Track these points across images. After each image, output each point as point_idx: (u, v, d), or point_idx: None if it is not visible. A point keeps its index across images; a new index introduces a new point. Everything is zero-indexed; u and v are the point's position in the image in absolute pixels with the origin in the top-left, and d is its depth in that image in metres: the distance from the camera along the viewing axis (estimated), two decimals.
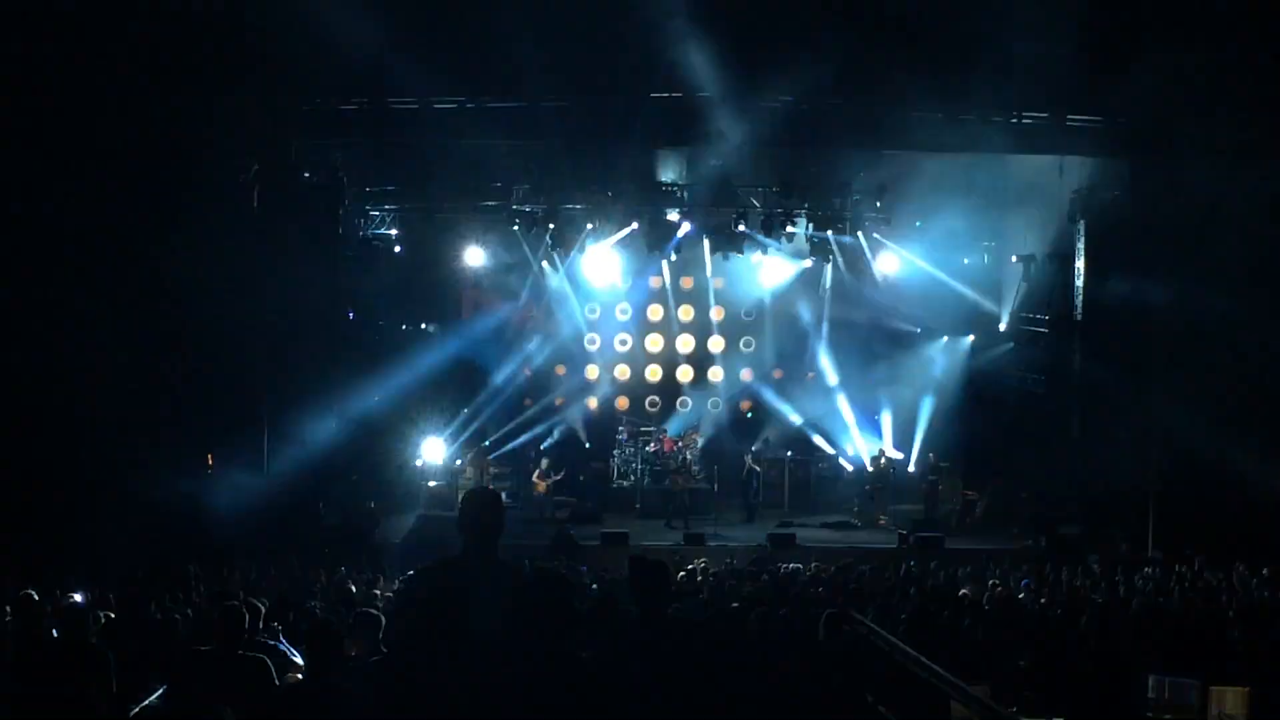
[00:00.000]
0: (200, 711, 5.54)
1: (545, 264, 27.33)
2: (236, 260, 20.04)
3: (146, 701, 7.72)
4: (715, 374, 29.21)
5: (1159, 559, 19.91)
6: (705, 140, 22.09)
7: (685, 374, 29.16)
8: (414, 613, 5.30)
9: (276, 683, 7.13)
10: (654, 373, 29.24)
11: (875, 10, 19.67)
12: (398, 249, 26.30)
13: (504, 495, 6.34)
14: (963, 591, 14.71)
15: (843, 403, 27.61)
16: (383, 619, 8.19)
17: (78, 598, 11.95)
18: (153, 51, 18.41)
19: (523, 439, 27.03)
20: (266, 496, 20.04)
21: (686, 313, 29.12)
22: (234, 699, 5.79)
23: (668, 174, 25.02)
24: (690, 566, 17.29)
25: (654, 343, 29.27)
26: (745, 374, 29.18)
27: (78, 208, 18.09)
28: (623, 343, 29.06)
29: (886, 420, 27.47)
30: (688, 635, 5.88)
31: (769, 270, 27.91)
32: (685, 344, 29.20)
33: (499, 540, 5.51)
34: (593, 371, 28.82)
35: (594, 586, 14.53)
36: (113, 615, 10.54)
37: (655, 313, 29.17)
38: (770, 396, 28.38)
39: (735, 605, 12.21)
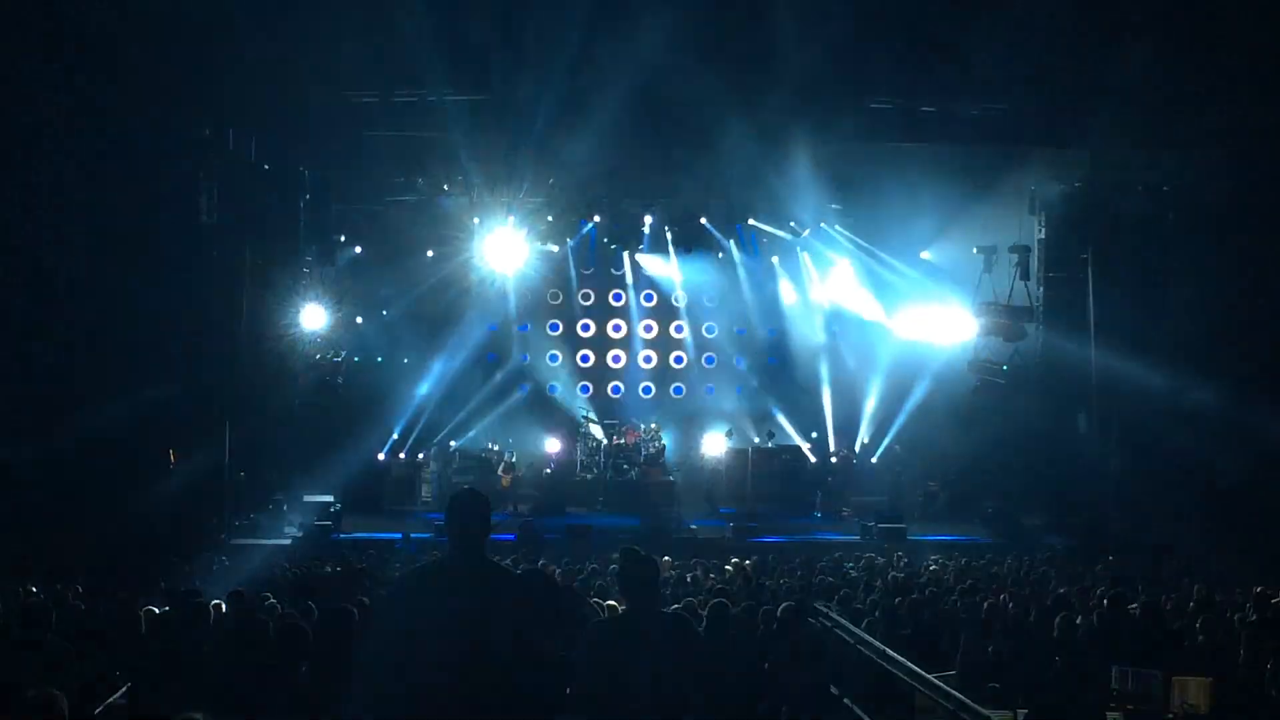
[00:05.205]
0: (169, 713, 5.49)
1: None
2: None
3: (110, 700, 7.66)
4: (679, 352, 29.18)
5: (1121, 548, 20.08)
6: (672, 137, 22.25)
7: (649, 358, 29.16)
8: (400, 616, 5.22)
9: None
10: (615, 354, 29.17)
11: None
12: (358, 249, 26.11)
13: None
14: (927, 580, 14.78)
15: (814, 393, 27.76)
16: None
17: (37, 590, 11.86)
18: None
19: (483, 427, 26.88)
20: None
21: (647, 300, 28.99)
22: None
23: (629, 171, 24.82)
24: None
25: (616, 329, 29.14)
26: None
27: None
28: (585, 328, 28.97)
29: (867, 410, 27.57)
30: (665, 629, 5.86)
31: (732, 263, 27.97)
32: (648, 332, 29.15)
33: (485, 541, 5.43)
34: (555, 358, 28.73)
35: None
36: (82, 607, 10.48)
37: (616, 300, 28.99)
38: (735, 388, 28.44)
39: (701, 599, 12.22)
